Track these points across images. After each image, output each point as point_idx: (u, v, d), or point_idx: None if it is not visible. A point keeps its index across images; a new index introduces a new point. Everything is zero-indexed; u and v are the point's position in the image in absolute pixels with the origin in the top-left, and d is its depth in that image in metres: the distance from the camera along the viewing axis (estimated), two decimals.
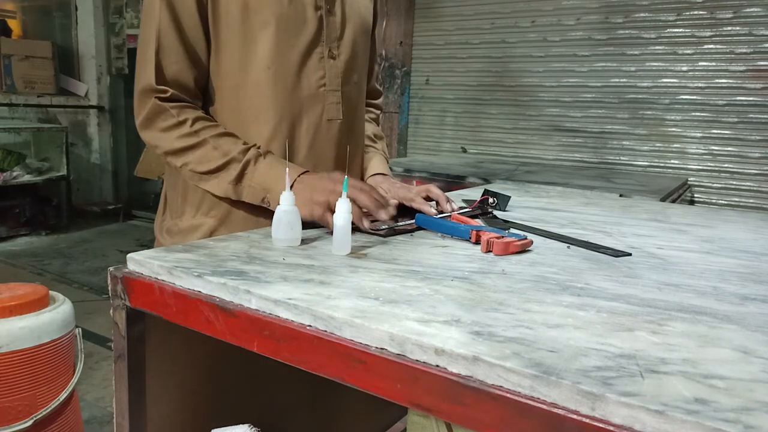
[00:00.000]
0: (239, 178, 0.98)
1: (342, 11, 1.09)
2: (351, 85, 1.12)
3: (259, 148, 1.00)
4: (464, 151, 3.84)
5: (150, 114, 0.99)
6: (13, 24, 5.81)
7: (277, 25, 1.01)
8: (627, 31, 3.16)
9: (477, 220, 1.06)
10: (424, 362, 0.51)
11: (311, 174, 0.97)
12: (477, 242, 0.88)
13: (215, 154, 0.98)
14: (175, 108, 0.99)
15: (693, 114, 3.02)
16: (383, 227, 0.94)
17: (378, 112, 1.41)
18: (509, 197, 1.20)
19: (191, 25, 1.00)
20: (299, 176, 0.96)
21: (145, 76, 0.99)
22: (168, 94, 0.99)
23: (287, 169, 0.87)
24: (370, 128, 1.32)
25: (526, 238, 0.86)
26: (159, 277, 0.70)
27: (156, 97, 0.99)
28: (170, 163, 1.02)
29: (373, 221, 0.92)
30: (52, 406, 1.57)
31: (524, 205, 1.30)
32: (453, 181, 2.39)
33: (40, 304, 1.59)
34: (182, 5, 0.98)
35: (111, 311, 0.74)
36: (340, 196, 0.80)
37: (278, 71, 1.02)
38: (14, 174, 4.88)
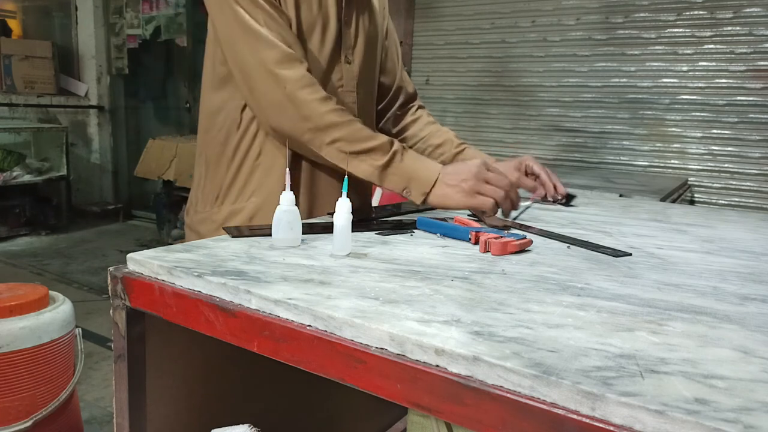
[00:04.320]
0: (387, 164, 1.01)
1: (356, 24, 1.19)
2: (364, 89, 1.21)
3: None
4: None
5: (305, 81, 1.01)
6: (13, 24, 5.81)
7: (306, 31, 1.10)
8: (627, 31, 3.16)
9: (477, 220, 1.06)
10: (424, 362, 0.51)
11: (450, 167, 1.02)
12: (477, 243, 0.88)
13: (364, 135, 1.02)
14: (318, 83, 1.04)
15: (693, 114, 3.02)
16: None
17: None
18: (575, 196, 1.33)
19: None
20: (443, 169, 1.02)
21: (276, 49, 1.00)
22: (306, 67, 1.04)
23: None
24: (449, 132, 1.39)
25: (525, 238, 0.86)
26: (159, 277, 0.70)
27: (307, 66, 1.03)
28: (314, 140, 1.01)
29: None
30: (52, 406, 1.57)
31: (524, 205, 1.29)
32: None
33: (40, 304, 1.59)
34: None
35: (111, 311, 0.74)
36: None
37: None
38: (14, 174, 4.87)
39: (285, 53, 1.01)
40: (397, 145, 1.03)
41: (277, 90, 1.01)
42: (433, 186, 1.00)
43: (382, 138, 1.03)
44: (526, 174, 1.27)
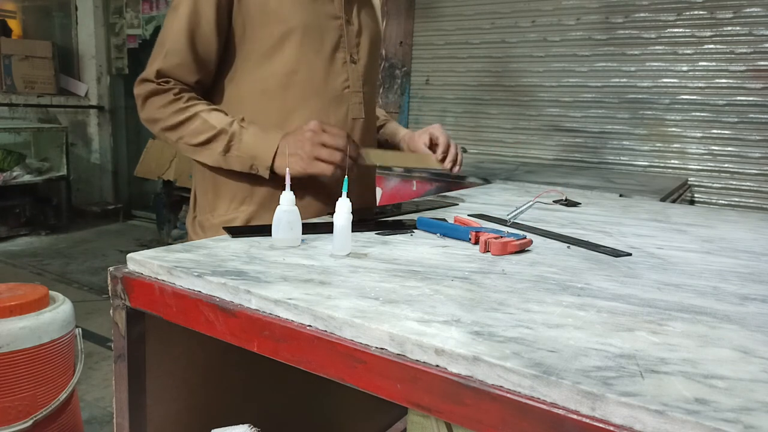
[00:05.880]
0: (227, 149, 1.06)
1: (358, 21, 1.18)
2: (369, 87, 1.21)
3: (242, 120, 1.07)
4: (464, 151, 3.83)
5: (149, 93, 1.08)
6: (13, 24, 5.80)
7: (303, 33, 1.09)
8: (627, 31, 3.16)
9: (477, 220, 1.06)
10: (424, 362, 0.51)
11: (290, 135, 1.05)
12: (477, 243, 0.88)
13: (205, 127, 1.06)
14: (173, 88, 1.07)
15: (693, 114, 3.02)
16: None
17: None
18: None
19: (206, 33, 1.07)
20: (282, 139, 1.04)
21: (150, 69, 1.08)
22: (169, 85, 1.07)
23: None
24: (379, 111, 1.44)
25: (524, 238, 0.86)
26: (159, 277, 0.70)
27: (156, 83, 1.07)
28: (167, 138, 1.09)
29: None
30: (52, 406, 1.57)
31: (525, 205, 1.29)
32: (453, 181, 2.39)
33: (40, 304, 1.59)
34: (203, 14, 1.05)
35: (111, 311, 0.74)
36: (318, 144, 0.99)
37: (305, 75, 1.10)
38: (14, 174, 4.87)
39: (144, 75, 1.09)
40: (235, 126, 1.05)
41: (137, 104, 1.11)
42: (274, 158, 1.04)
43: (221, 125, 1.05)
44: (432, 142, 1.26)
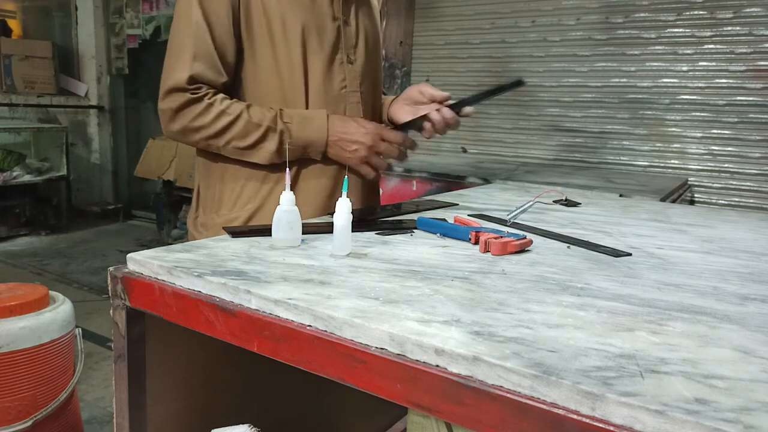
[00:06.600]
0: (280, 145, 1.09)
1: (356, 22, 1.19)
2: (367, 87, 1.22)
3: (281, 111, 1.09)
4: (464, 151, 3.83)
5: (183, 104, 1.06)
6: (13, 24, 5.80)
7: (303, 34, 1.10)
8: (627, 31, 3.16)
9: (477, 220, 1.06)
10: (424, 362, 0.51)
11: (338, 134, 1.11)
12: (477, 243, 0.88)
13: (250, 128, 1.07)
14: (207, 93, 1.07)
15: (693, 114, 3.02)
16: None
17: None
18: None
19: (222, 34, 1.07)
20: (332, 125, 1.10)
21: (177, 75, 1.05)
22: (202, 91, 1.07)
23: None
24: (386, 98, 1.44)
25: (524, 238, 0.86)
26: (159, 277, 0.70)
27: (189, 91, 1.06)
28: (210, 145, 1.09)
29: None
30: (52, 406, 1.57)
31: (525, 205, 1.29)
32: (453, 181, 2.39)
33: (40, 304, 1.59)
34: (218, 15, 1.06)
35: (111, 311, 0.74)
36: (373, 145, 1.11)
37: (306, 75, 1.12)
38: (14, 174, 4.87)
39: (172, 85, 1.05)
40: (279, 123, 1.07)
41: (164, 117, 1.08)
42: (326, 146, 1.11)
43: (266, 121, 1.07)
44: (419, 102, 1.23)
